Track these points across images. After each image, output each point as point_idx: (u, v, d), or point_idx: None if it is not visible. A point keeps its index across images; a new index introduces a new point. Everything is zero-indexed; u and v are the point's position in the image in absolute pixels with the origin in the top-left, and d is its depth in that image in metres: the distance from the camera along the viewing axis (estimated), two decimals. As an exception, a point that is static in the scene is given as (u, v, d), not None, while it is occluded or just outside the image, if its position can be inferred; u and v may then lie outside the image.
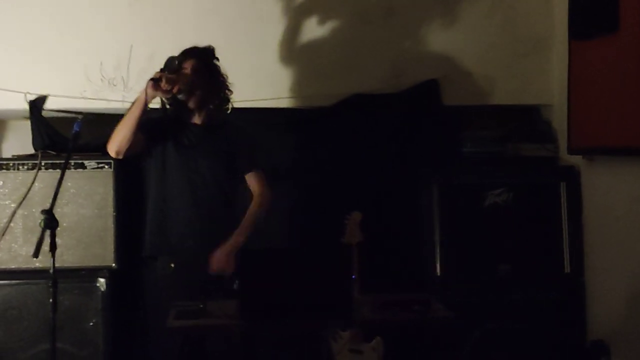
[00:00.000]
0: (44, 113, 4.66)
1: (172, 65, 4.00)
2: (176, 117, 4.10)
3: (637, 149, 4.01)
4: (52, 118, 4.71)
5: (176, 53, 4.47)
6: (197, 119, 4.11)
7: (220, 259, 3.93)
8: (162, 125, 4.08)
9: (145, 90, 3.87)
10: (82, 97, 4.67)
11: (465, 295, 4.45)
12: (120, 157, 4.00)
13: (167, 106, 4.09)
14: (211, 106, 4.11)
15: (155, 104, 4.08)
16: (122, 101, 4.69)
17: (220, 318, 3.33)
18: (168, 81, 3.88)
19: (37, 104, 4.61)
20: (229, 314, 3.31)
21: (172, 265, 4.06)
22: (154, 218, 4.14)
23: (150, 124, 3.99)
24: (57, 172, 4.43)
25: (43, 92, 4.64)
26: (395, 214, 4.78)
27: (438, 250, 4.58)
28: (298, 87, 4.83)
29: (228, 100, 4.17)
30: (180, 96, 3.97)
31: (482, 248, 4.58)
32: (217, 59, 4.15)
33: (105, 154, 4.50)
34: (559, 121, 4.84)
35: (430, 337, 4.29)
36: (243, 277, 3.31)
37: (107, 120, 4.74)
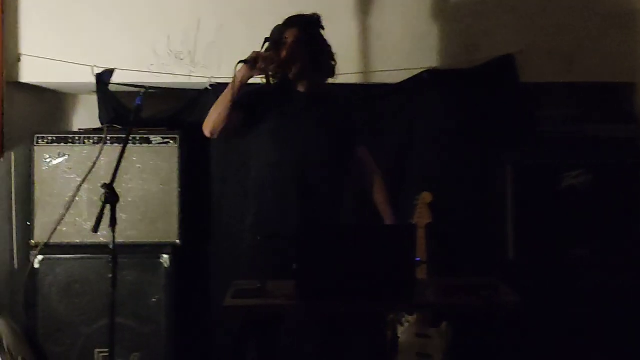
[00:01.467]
0: (110, 87, 4.64)
1: (275, 35, 3.90)
2: (280, 86, 3.97)
3: None
4: (120, 92, 4.68)
5: (244, 27, 4.48)
6: (301, 88, 3.98)
7: None
8: (265, 96, 3.94)
9: (236, 73, 3.76)
10: (149, 71, 4.62)
11: (538, 280, 4.29)
12: (215, 137, 3.89)
13: (270, 78, 3.96)
14: (314, 76, 3.99)
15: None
16: (189, 75, 4.63)
17: (277, 298, 3.24)
18: (264, 60, 3.78)
19: (103, 78, 4.59)
20: (287, 294, 3.22)
21: (259, 237, 3.91)
22: (256, 192, 4.00)
23: (249, 98, 3.87)
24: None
25: (110, 66, 4.60)
26: (466, 195, 4.64)
27: (511, 233, 4.42)
28: (368, 63, 4.71)
29: (332, 71, 4.05)
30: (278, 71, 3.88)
31: (557, 232, 4.40)
32: (323, 28, 4.01)
33: (172, 129, 4.51)
34: (643, 100, 4.63)
35: (498, 322, 4.16)
36: (302, 255, 3.21)
37: (173, 95, 4.73)
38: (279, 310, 3.23)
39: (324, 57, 4.01)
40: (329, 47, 4.04)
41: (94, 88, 4.67)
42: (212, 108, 3.89)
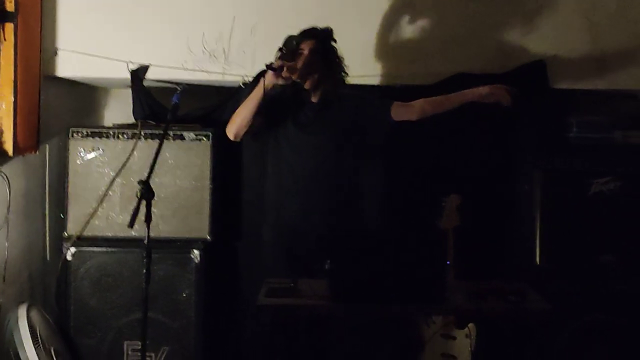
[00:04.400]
0: (144, 83, 4.68)
1: (290, 45, 4.06)
2: (293, 95, 4.17)
3: None
4: (153, 88, 4.73)
5: (278, 27, 4.51)
6: (313, 97, 4.19)
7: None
8: (280, 103, 4.15)
9: (265, 78, 3.93)
10: (183, 68, 4.66)
11: (565, 285, 4.30)
12: (238, 139, 4.12)
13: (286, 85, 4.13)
14: (326, 86, 4.16)
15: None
16: (223, 73, 4.67)
17: (310, 298, 3.28)
18: (289, 70, 3.94)
19: (138, 74, 4.63)
20: (320, 295, 3.26)
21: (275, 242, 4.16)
22: (269, 192, 4.22)
23: (268, 104, 4.04)
24: (155, 142, 4.46)
25: (145, 62, 4.64)
26: (494, 199, 4.66)
27: (538, 239, 4.44)
28: (400, 65, 4.72)
29: (343, 82, 4.24)
30: (297, 80, 4.05)
31: (585, 238, 4.41)
32: (335, 41, 4.19)
33: (204, 126, 4.56)
34: (673, 108, 4.63)
35: (524, 327, 4.19)
36: (335, 257, 3.26)
37: (207, 92, 4.77)
38: (311, 310, 3.26)
39: (337, 68, 4.20)
40: (340, 59, 4.22)
41: (127, 83, 4.72)
42: (236, 112, 4.10)
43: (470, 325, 4.26)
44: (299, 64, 4.02)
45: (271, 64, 3.96)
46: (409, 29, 4.72)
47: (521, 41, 4.72)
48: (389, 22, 4.70)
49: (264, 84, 3.92)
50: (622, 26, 4.70)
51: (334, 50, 4.18)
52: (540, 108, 4.70)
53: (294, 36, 4.12)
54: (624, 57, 4.71)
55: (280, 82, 3.98)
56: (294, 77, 3.97)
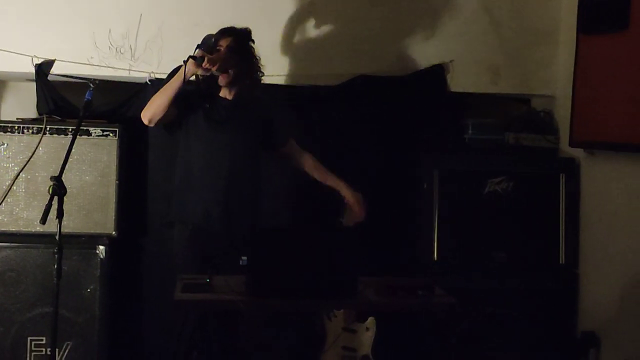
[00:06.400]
0: (49, 77, 4.65)
1: (208, 43, 4.08)
2: (208, 91, 4.16)
3: (639, 146, 4.06)
4: (58, 82, 4.69)
5: (185, 25, 4.58)
6: (228, 95, 4.19)
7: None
8: (194, 98, 4.14)
9: (185, 67, 3.95)
10: (89, 64, 4.65)
11: (460, 280, 4.45)
12: (152, 125, 4.09)
13: (200, 80, 4.15)
14: (242, 84, 4.18)
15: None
16: (129, 70, 4.68)
17: (226, 293, 3.35)
18: (209, 61, 3.97)
19: (43, 68, 4.58)
20: (235, 290, 3.34)
21: (184, 237, 4.15)
22: (179, 188, 4.20)
23: (182, 97, 4.05)
24: (61, 138, 4.47)
25: (50, 56, 4.60)
26: (395, 197, 4.80)
27: (436, 236, 4.61)
28: (304, 65, 4.84)
29: (259, 82, 4.27)
30: (216, 73, 4.05)
31: (480, 235, 4.63)
32: (253, 41, 4.22)
33: (110, 122, 4.56)
34: (561, 113, 4.87)
35: (423, 320, 4.36)
36: (252, 254, 3.34)
37: (114, 88, 4.77)
38: (228, 305, 3.33)
39: (253, 67, 4.21)
40: (257, 59, 4.24)
41: (27, 76, 4.66)
42: (154, 97, 4.07)
43: (370, 318, 4.42)
44: (221, 60, 4.04)
45: (194, 52, 3.98)
46: (313, 31, 4.84)
47: (421, 46, 4.89)
48: (295, 24, 4.81)
49: (185, 72, 3.93)
50: (516, 35, 4.94)
51: (251, 50, 4.21)
52: (439, 111, 4.90)
53: (212, 34, 4.14)
54: (516, 64, 4.96)
55: (200, 72, 4.01)
56: (213, 69, 3.99)
